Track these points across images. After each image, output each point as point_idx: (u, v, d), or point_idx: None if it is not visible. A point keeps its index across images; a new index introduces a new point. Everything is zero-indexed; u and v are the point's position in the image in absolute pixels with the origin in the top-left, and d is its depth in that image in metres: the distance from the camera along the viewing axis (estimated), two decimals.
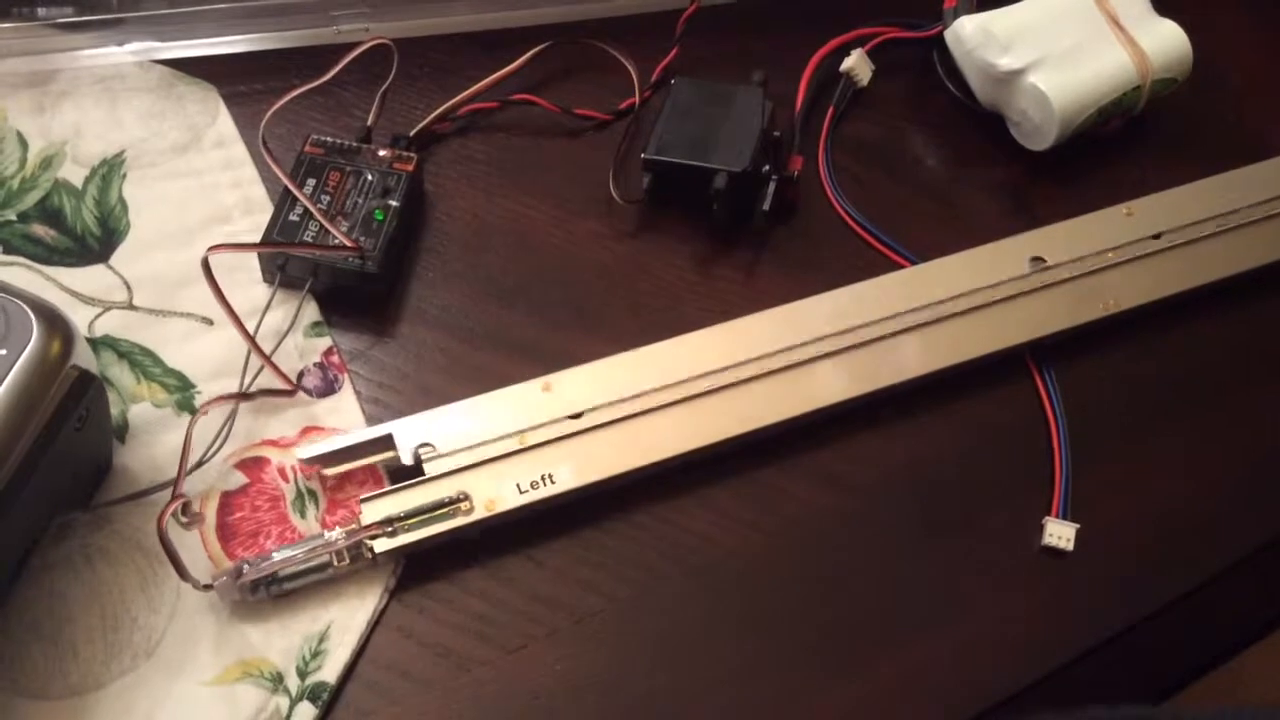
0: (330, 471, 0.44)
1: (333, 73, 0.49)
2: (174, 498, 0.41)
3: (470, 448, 0.43)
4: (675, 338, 0.47)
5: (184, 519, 0.42)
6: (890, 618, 0.44)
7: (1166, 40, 0.54)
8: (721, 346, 0.47)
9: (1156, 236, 0.51)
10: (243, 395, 0.45)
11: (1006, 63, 0.52)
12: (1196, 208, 0.52)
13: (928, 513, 0.46)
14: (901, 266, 0.52)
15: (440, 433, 0.44)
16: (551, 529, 0.44)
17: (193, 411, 0.45)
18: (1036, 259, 0.50)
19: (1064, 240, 0.50)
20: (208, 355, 0.47)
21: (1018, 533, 0.46)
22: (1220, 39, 0.61)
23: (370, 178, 0.49)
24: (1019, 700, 0.43)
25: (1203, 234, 0.51)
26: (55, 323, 0.38)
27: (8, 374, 0.36)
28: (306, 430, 0.45)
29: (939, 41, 0.56)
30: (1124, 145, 0.56)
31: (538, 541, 0.44)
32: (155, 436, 0.45)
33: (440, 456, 0.43)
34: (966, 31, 0.54)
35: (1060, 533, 0.45)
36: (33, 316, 0.38)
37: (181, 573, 0.40)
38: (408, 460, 0.43)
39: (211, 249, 0.44)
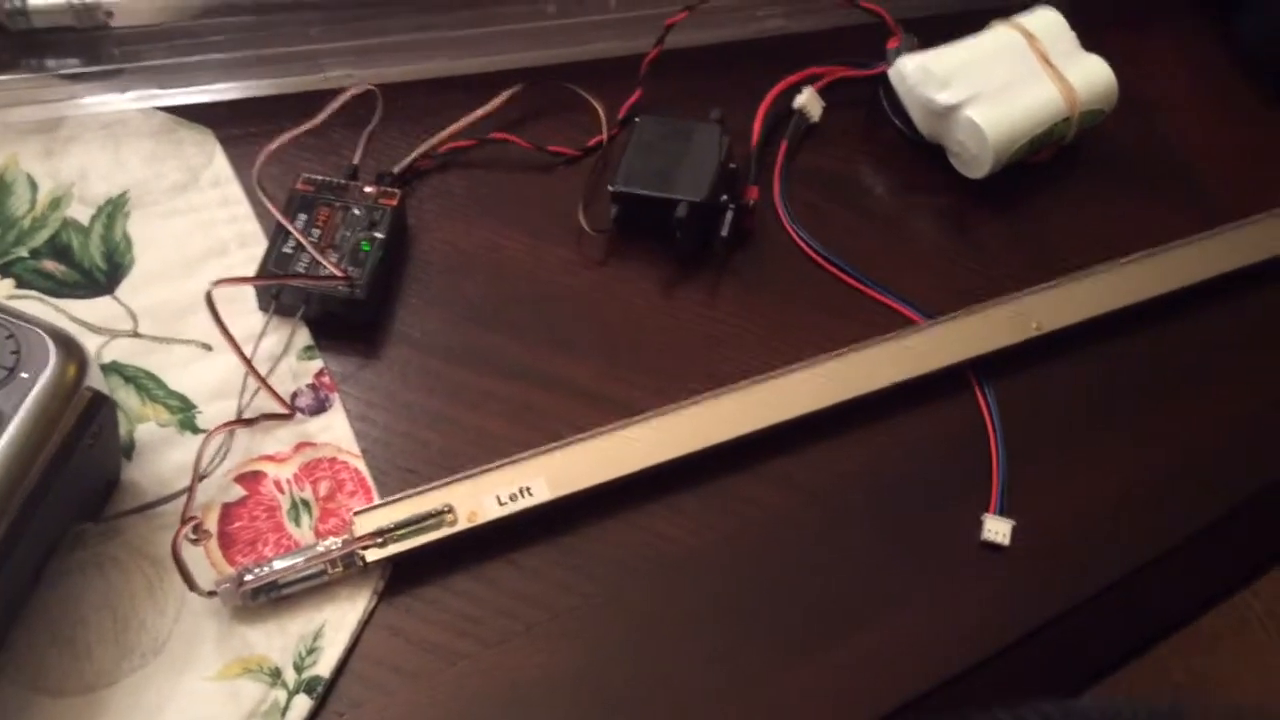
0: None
1: (321, 117, 0.53)
2: (185, 520, 0.44)
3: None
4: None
5: (194, 537, 0.45)
6: (845, 608, 0.47)
7: (1093, 75, 0.59)
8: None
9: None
10: (243, 421, 0.48)
11: (945, 98, 0.57)
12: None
13: (879, 513, 0.50)
14: (850, 286, 0.56)
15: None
16: (531, 534, 0.48)
17: (194, 430, 0.49)
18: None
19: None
20: (208, 378, 0.50)
21: (960, 529, 0.49)
22: (1146, 70, 0.66)
23: (357, 212, 0.53)
24: (964, 680, 0.46)
25: (1123, 259, 0.56)
26: (71, 348, 0.41)
27: (28, 395, 0.39)
28: (300, 446, 0.49)
29: (884, 79, 0.60)
30: (1056, 172, 0.61)
31: (518, 546, 0.47)
32: (160, 454, 0.48)
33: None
34: (908, 70, 0.58)
35: (998, 528, 0.49)
36: (50, 342, 0.41)
37: (191, 584, 0.44)
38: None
39: (215, 283, 0.47)
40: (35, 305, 0.51)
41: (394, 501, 0.46)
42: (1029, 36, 0.59)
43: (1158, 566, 0.49)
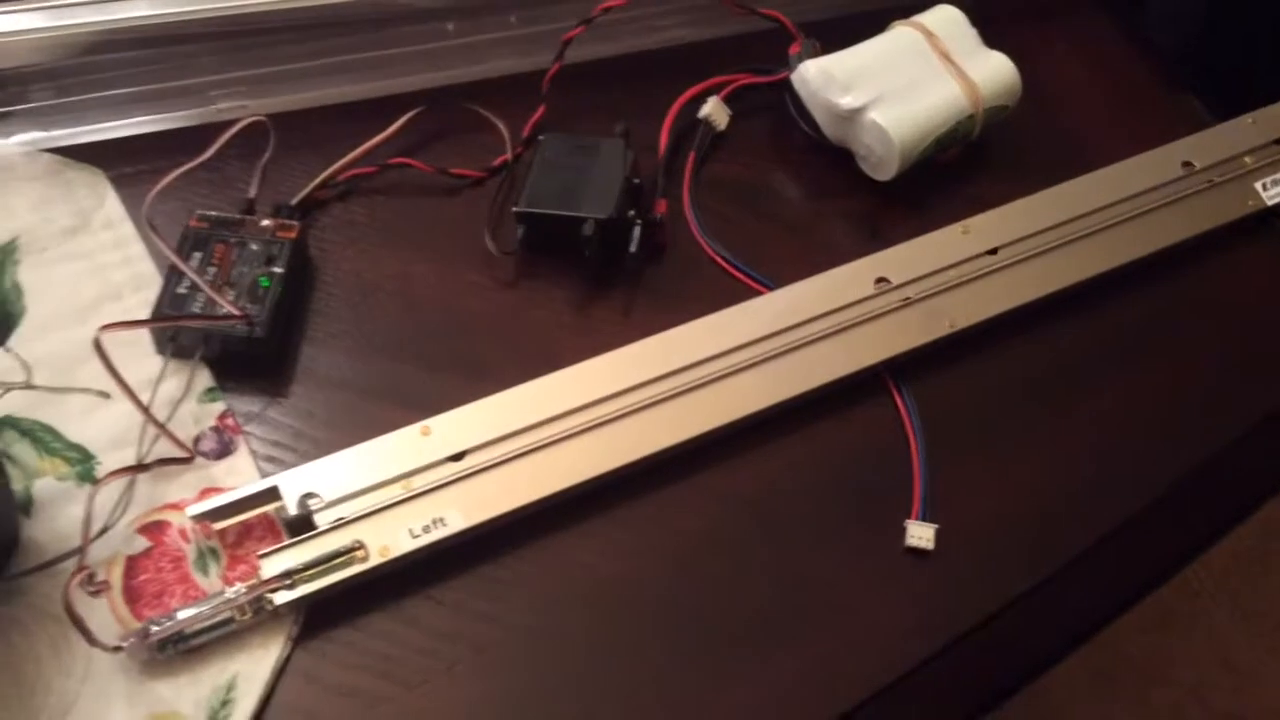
0: (219, 526, 0.46)
1: (211, 151, 0.52)
2: (78, 569, 0.43)
3: (355, 495, 0.46)
4: (547, 375, 0.50)
5: (90, 588, 0.44)
6: (776, 622, 0.47)
7: (996, 71, 0.59)
8: (595, 380, 0.50)
9: (993, 252, 0.55)
10: (139, 467, 0.47)
11: (848, 102, 0.57)
12: (1026, 222, 0.56)
13: (806, 524, 0.49)
14: (764, 296, 0.55)
15: (325, 482, 0.46)
16: (448, 567, 0.47)
17: (94, 482, 0.47)
18: (881, 280, 0.54)
19: (906, 260, 0.54)
20: (106, 427, 0.49)
21: (886, 536, 0.49)
22: (1051, 65, 0.66)
23: (254, 247, 0.51)
24: (897, 687, 0.46)
25: (1031, 251, 0.55)
26: None
27: None
28: (205, 492, 0.48)
29: (789, 85, 0.60)
30: (964, 169, 0.61)
31: (435, 580, 0.46)
32: (59, 509, 0.47)
33: (328, 506, 0.46)
34: (810, 74, 0.58)
35: (921, 534, 0.48)
36: None
37: (90, 639, 0.42)
38: (294, 510, 0.45)
39: (102, 328, 0.46)
40: None
41: (300, 542, 0.45)
42: (929, 35, 0.59)
43: (1087, 562, 0.49)
